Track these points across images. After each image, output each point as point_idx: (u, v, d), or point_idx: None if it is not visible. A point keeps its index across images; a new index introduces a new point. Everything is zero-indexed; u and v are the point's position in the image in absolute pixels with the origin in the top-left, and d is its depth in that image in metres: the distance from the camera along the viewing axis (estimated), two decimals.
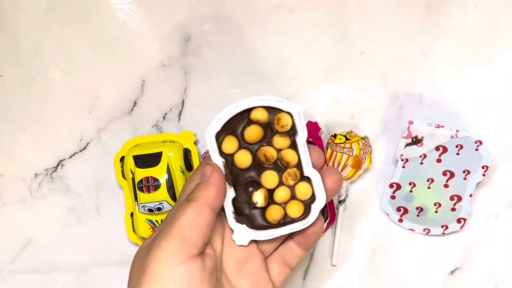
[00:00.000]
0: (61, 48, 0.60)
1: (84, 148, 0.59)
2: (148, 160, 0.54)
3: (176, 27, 0.59)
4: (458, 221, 0.53)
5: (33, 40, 0.61)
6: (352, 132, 0.55)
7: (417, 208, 0.53)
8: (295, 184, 0.41)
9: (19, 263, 0.59)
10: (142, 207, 0.54)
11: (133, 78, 0.59)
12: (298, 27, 0.58)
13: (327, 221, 0.55)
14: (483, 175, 0.52)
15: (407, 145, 0.53)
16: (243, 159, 0.41)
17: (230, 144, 0.40)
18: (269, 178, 0.41)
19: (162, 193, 0.54)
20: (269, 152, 0.40)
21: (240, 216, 0.41)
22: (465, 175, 0.52)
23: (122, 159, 0.57)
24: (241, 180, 0.41)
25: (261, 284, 0.40)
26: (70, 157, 0.60)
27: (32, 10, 0.61)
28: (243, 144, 0.41)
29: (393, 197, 0.54)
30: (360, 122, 0.57)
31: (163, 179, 0.54)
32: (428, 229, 0.53)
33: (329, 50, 0.58)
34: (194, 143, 0.57)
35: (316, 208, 0.41)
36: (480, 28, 0.57)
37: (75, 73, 0.60)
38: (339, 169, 0.54)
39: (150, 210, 0.54)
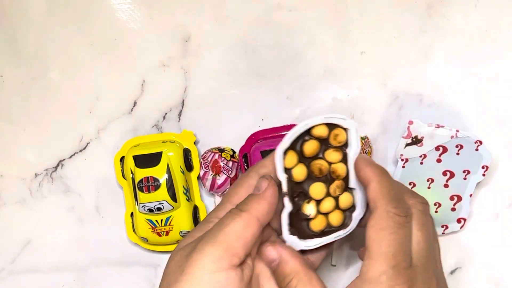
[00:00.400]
0: (61, 48, 0.60)
1: (84, 148, 0.59)
2: (148, 160, 0.54)
3: (176, 27, 0.59)
4: (458, 221, 0.53)
5: (33, 40, 0.61)
6: None
7: None
8: (339, 195, 0.42)
9: (19, 263, 0.59)
10: (142, 207, 0.54)
11: (133, 78, 0.59)
12: (298, 27, 0.58)
13: None
14: (483, 175, 0.51)
15: (407, 145, 0.53)
16: (301, 172, 0.41)
17: (292, 159, 0.41)
18: (318, 189, 0.42)
19: (162, 193, 0.54)
20: (324, 165, 0.42)
21: (292, 227, 0.42)
22: (465, 175, 0.51)
23: (122, 159, 0.57)
24: (295, 193, 0.42)
25: None
26: (70, 157, 0.60)
27: (32, 10, 0.61)
28: (301, 158, 0.42)
29: None
30: (360, 122, 0.57)
31: (163, 179, 0.54)
32: None
33: (329, 50, 0.58)
34: (194, 143, 0.57)
35: (357, 216, 0.43)
36: (480, 28, 0.57)
37: (75, 73, 0.60)
38: None
39: (150, 210, 0.54)
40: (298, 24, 0.58)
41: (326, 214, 0.42)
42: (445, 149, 0.52)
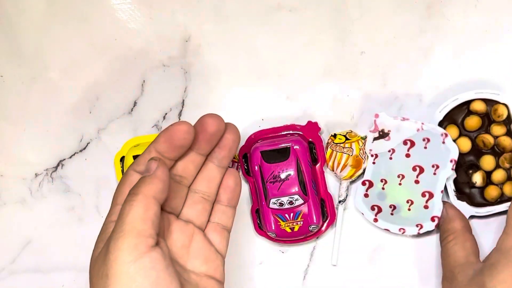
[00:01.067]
0: (61, 48, 0.60)
1: (84, 148, 0.59)
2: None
3: (176, 27, 0.59)
4: (432, 219, 0.51)
5: (33, 40, 0.61)
6: (352, 132, 0.55)
7: (390, 206, 0.52)
8: (511, 167, 0.50)
9: (19, 263, 0.59)
10: None
11: (133, 78, 0.59)
12: (298, 27, 0.58)
13: (327, 221, 0.55)
14: (452, 169, 0.51)
15: (375, 139, 0.53)
16: (464, 145, 0.51)
17: (452, 132, 0.51)
18: (487, 161, 0.50)
19: None
20: (487, 139, 0.49)
21: (461, 194, 0.51)
22: (435, 170, 0.51)
23: (122, 159, 0.57)
24: (462, 163, 0.49)
25: (211, 257, 0.41)
26: (70, 157, 0.60)
27: (32, 10, 0.61)
28: (463, 132, 0.50)
29: (366, 195, 0.52)
30: (360, 122, 0.57)
31: None
32: (403, 229, 0.52)
33: (329, 50, 0.58)
34: None
35: None
36: (480, 28, 0.57)
37: (75, 73, 0.60)
38: (339, 169, 0.54)
39: None
40: (298, 24, 0.58)
41: (499, 185, 0.51)
42: (412, 143, 0.51)
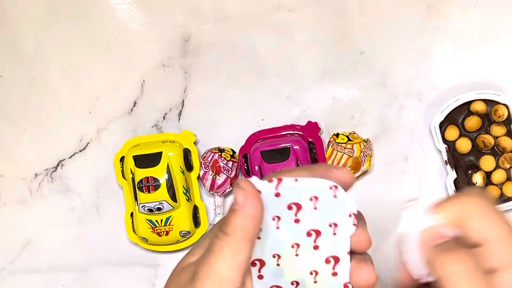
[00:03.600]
0: (61, 48, 0.60)
1: (84, 148, 0.59)
2: (148, 160, 0.54)
3: (176, 27, 0.59)
4: (345, 286, 0.38)
5: (33, 40, 0.61)
6: (355, 133, 0.55)
7: (292, 283, 0.39)
8: (511, 167, 0.50)
9: (19, 263, 0.59)
10: (142, 207, 0.54)
11: (133, 78, 0.59)
12: (298, 27, 0.58)
13: None
14: (354, 224, 0.38)
15: None
16: (464, 145, 0.51)
17: (452, 132, 0.51)
18: (487, 162, 0.50)
19: (162, 193, 0.54)
20: (487, 139, 0.49)
21: None
22: (334, 230, 0.38)
23: (122, 159, 0.57)
24: (462, 164, 0.49)
25: None
26: (70, 157, 0.60)
27: (32, 10, 0.61)
28: (463, 132, 0.50)
29: (260, 277, 0.38)
30: (360, 122, 0.57)
31: (163, 179, 0.54)
32: None
33: (329, 50, 0.58)
34: (194, 143, 0.57)
35: None
36: (480, 28, 0.57)
37: (75, 73, 0.60)
38: None
39: (150, 210, 0.54)
40: (298, 24, 0.58)
41: (499, 185, 0.50)
42: (298, 206, 0.38)
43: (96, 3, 0.60)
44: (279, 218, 0.33)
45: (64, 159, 0.60)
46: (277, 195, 0.31)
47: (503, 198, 0.52)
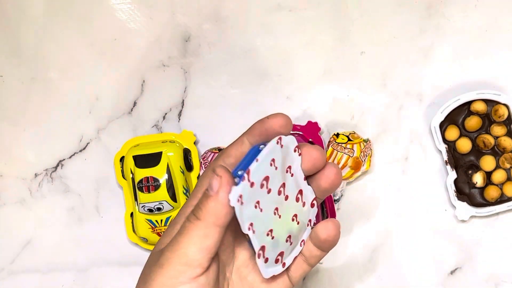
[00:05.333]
0: (61, 48, 0.60)
1: (84, 148, 0.59)
2: (148, 160, 0.54)
3: (176, 27, 0.59)
4: (312, 205, 0.39)
5: (33, 40, 0.61)
6: (355, 133, 0.55)
7: (286, 241, 0.38)
8: (511, 167, 0.51)
9: (19, 263, 0.59)
10: (142, 207, 0.54)
11: (133, 78, 0.59)
12: (298, 27, 0.58)
13: None
14: (299, 154, 0.36)
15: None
16: (464, 145, 0.52)
17: (452, 132, 0.52)
18: (488, 162, 0.51)
19: (162, 193, 0.54)
20: (488, 139, 0.49)
21: (461, 194, 0.52)
22: (290, 172, 0.36)
23: (122, 159, 0.57)
24: (462, 164, 0.50)
25: (276, 278, 0.37)
26: (70, 157, 0.60)
27: (32, 10, 0.61)
28: (463, 132, 0.50)
29: (266, 260, 0.36)
30: (360, 122, 0.57)
31: (163, 179, 0.54)
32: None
33: (329, 50, 0.58)
34: (194, 143, 0.57)
35: None
36: (480, 28, 0.57)
37: (75, 73, 0.60)
38: None
39: (150, 210, 0.54)
40: (298, 24, 0.58)
41: (499, 185, 0.51)
42: (267, 178, 0.35)
43: (96, 3, 0.60)
44: (258, 202, 0.34)
45: (64, 159, 0.60)
46: (252, 184, 0.32)
47: (503, 198, 0.52)
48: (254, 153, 0.33)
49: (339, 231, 0.37)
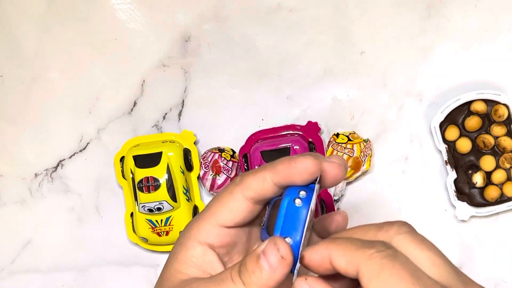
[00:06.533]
0: (61, 48, 0.60)
1: (84, 148, 0.59)
2: (148, 160, 0.54)
3: (176, 27, 0.59)
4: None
5: (33, 40, 0.61)
6: (355, 133, 0.55)
7: None
8: (511, 167, 0.51)
9: (19, 263, 0.59)
10: (142, 207, 0.54)
11: (133, 78, 0.59)
12: (298, 27, 0.58)
13: None
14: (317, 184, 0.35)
15: None
16: (464, 145, 0.52)
17: (452, 132, 0.51)
18: (488, 162, 0.51)
19: (162, 193, 0.54)
20: (488, 139, 0.49)
21: (461, 194, 0.52)
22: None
23: (122, 159, 0.57)
24: (462, 164, 0.50)
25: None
26: (70, 157, 0.60)
27: (32, 10, 0.61)
28: (463, 132, 0.50)
29: (301, 259, 0.34)
30: (360, 122, 0.57)
31: (163, 179, 0.54)
32: None
33: (329, 50, 0.58)
34: (194, 143, 0.57)
35: None
36: (480, 28, 0.57)
37: (75, 73, 0.60)
38: None
39: (150, 210, 0.54)
40: (298, 24, 0.58)
41: (499, 185, 0.50)
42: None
43: (96, 3, 0.60)
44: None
45: (64, 159, 0.60)
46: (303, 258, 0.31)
47: (503, 198, 0.52)
48: (291, 211, 0.31)
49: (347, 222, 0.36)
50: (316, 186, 0.32)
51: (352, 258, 0.28)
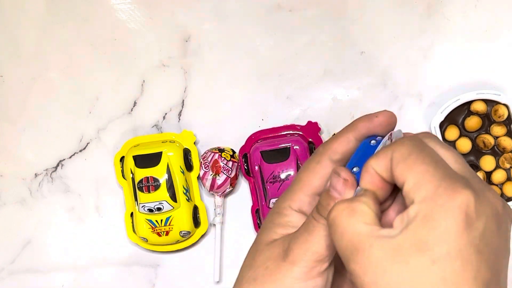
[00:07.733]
0: (61, 48, 0.60)
1: (84, 148, 0.59)
2: (148, 160, 0.54)
3: (176, 27, 0.59)
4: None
5: (33, 40, 0.61)
6: None
7: None
8: (511, 167, 0.51)
9: (19, 263, 0.59)
10: (142, 207, 0.54)
11: (133, 78, 0.59)
12: (298, 27, 0.58)
13: None
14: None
15: None
16: (464, 145, 0.51)
17: (452, 132, 0.51)
18: (488, 162, 0.50)
19: (162, 193, 0.54)
20: (488, 139, 0.49)
21: None
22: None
23: (122, 159, 0.57)
24: None
25: None
26: (70, 157, 0.59)
27: (32, 10, 0.61)
28: (463, 132, 0.50)
29: None
30: None
31: (163, 179, 0.54)
32: None
33: (329, 50, 0.58)
34: (194, 143, 0.57)
35: None
36: (480, 28, 0.57)
37: (75, 73, 0.60)
38: None
39: (150, 210, 0.54)
40: (298, 24, 0.58)
41: (499, 185, 0.50)
42: None
43: (96, 3, 0.60)
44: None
45: (64, 159, 0.60)
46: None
47: (503, 198, 0.52)
48: (365, 148, 0.34)
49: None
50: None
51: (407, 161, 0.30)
